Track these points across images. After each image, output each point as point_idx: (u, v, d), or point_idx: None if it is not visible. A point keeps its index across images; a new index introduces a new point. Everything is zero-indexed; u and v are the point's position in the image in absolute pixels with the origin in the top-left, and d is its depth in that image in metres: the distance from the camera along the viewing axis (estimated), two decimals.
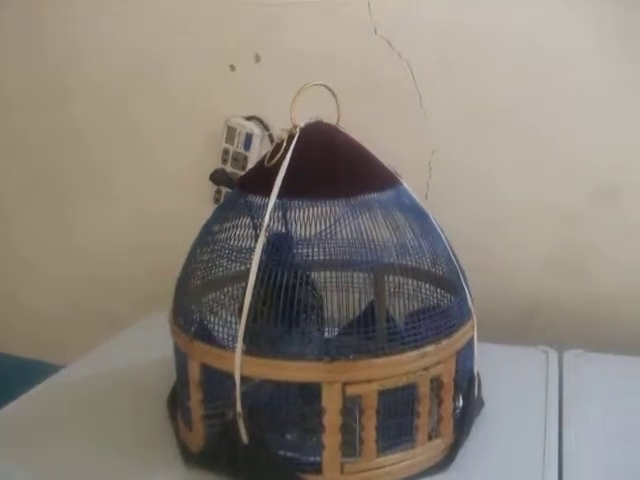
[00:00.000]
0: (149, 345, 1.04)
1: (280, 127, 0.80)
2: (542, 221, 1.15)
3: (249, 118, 1.25)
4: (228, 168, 1.26)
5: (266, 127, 1.24)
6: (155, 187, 1.38)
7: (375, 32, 1.14)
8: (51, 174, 1.48)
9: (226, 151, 1.27)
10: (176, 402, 0.86)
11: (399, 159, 0.84)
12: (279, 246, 0.74)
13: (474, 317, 0.80)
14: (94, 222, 1.47)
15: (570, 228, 1.13)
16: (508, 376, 0.95)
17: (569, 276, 1.15)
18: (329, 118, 0.82)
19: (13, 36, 1.42)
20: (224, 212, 0.81)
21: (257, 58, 1.24)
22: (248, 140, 1.24)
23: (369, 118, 1.11)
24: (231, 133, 1.26)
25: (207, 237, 0.80)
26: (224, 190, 1.26)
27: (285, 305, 0.71)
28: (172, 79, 1.31)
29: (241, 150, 1.25)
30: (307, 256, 0.76)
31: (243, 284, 0.74)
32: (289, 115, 0.78)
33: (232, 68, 1.26)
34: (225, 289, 0.85)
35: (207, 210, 0.87)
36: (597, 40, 1.05)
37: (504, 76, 1.11)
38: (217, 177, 1.24)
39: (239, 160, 1.25)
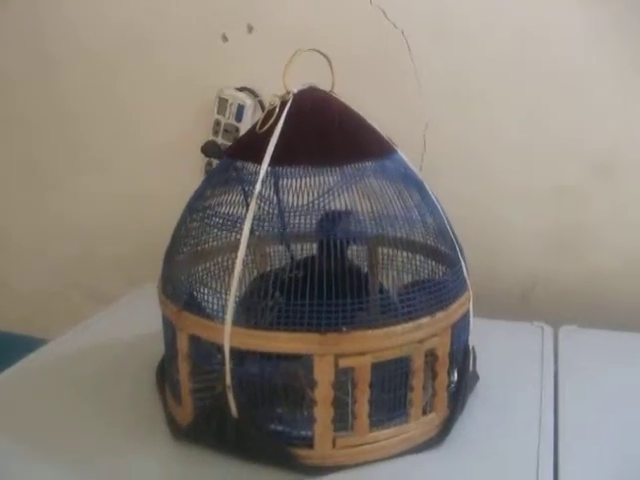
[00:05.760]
0: (137, 319, 1.03)
1: (272, 94, 0.78)
2: (537, 199, 1.14)
3: (241, 89, 1.23)
4: (219, 140, 1.24)
5: (258, 98, 1.22)
6: (144, 160, 1.36)
7: (370, 2, 1.12)
8: (36, 150, 1.46)
9: (217, 123, 1.24)
10: (164, 375, 0.84)
11: (393, 131, 0.82)
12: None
13: (470, 290, 0.79)
14: (81, 197, 1.44)
15: (564, 206, 1.13)
16: (503, 351, 0.94)
17: (563, 254, 1.15)
18: (323, 87, 0.80)
19: None
20: (214, 180, 0.79)
21: (250, 28, 1.22)
22: (240, 111, 1.22)
23: (363, 89, 1.08)
24: (223, 104, 1.23)
25: (197, 206, 0.78)
26: (215, 162, 1.24)
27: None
28: (163, 50, 1.28)
29: (233, 122, 1.23)
30: (299, 225, 0.74)
31: (233, 255, 0.72)
32: (282, 84, 0.76)
33: (224, 39, 1.24)
34: (215, 260, 0.83)
35: (198, 183, 0.85)
36: (593, 18, 1.04)
37: (500, 51, 1.09)
38: (208, 149, 1.24)
39: (231, 132, 1.23)
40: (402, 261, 0.82)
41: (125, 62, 1.32)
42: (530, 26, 1.07)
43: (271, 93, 0.77)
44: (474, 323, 0.81)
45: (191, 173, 1.27)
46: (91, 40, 1.33)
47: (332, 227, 0.73)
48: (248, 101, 1.22)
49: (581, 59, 1.06)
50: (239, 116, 1.22)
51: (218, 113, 1.24)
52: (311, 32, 1.15)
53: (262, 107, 1.20)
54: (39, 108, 1.42)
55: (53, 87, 1.39)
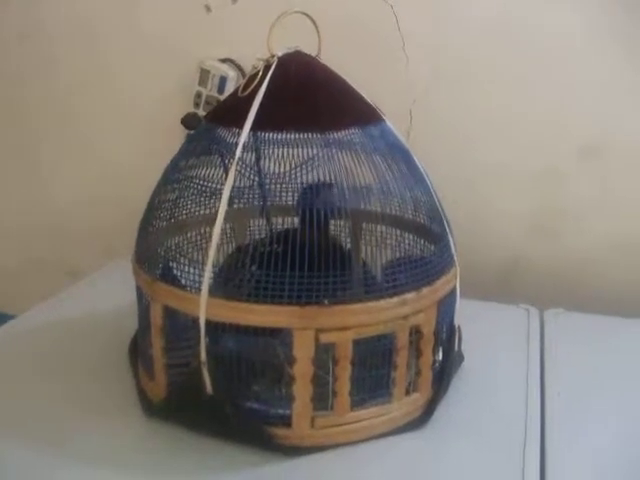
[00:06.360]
0: (111, 293, 1.01)
1: (256, 57, 0.74)
2: (522, 179, 1.12)
3: (224, 60, 1.19)
4: (200, 112, 1.20)
5: (241, 70, 1.18)
6: (122, 132, 1.32)
7: None
8: (12, 121, 1.41)
9: (199, 94, 1.21)
10: (137, 350, 0.81)
11: (380, 105, 0.79)
12: None
13: (457, 265, 0.76)
14: (56, 170, 1.41)
15: (549, 188, 1.11)
16: (489, 333, 0.92)
17: (546, 237, 1.14)
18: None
19: None
20: (193, 145, 0.76)
21: None
22: (222, 83, 1.18)
23: (350, 61, 1.04)
24: (204, 76, 1.20)
25: (174, 172, 0.75)
26: None
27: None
28: (145, 19, 1.25)
29: (214, 94, 1.19)
30: (280, 195, 0.71)
31: (212, 225, 0.68)
32: (266, 55, 0.73)
33: (207, 9, 1.20)
34: (193, 229, 0.80)
35: None
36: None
37: (489, 29, 1.07)
38: (189, 122, 1.19)
39: (212, 104, 1.19)
40: (387, 236, 0.80)
41: (106, 31, 1.28)
42: (520, 4, 1.05)
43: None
44: (460, 304, 0.79)
45: (171, 145, 1.23)
46: (72, 8, 1.29)
47: (314, 199, 0.70)
48: (231, 73, 1.18)
49: (571, 40, 1.05)
50: (221, 88, 1.18)
51: (200, 84, 1.21)
52: (296, 3, 1.11)
53: (243, 76, 1.17)
54: (16, 80, 1.37)
55: (30, 58, 1.34)
